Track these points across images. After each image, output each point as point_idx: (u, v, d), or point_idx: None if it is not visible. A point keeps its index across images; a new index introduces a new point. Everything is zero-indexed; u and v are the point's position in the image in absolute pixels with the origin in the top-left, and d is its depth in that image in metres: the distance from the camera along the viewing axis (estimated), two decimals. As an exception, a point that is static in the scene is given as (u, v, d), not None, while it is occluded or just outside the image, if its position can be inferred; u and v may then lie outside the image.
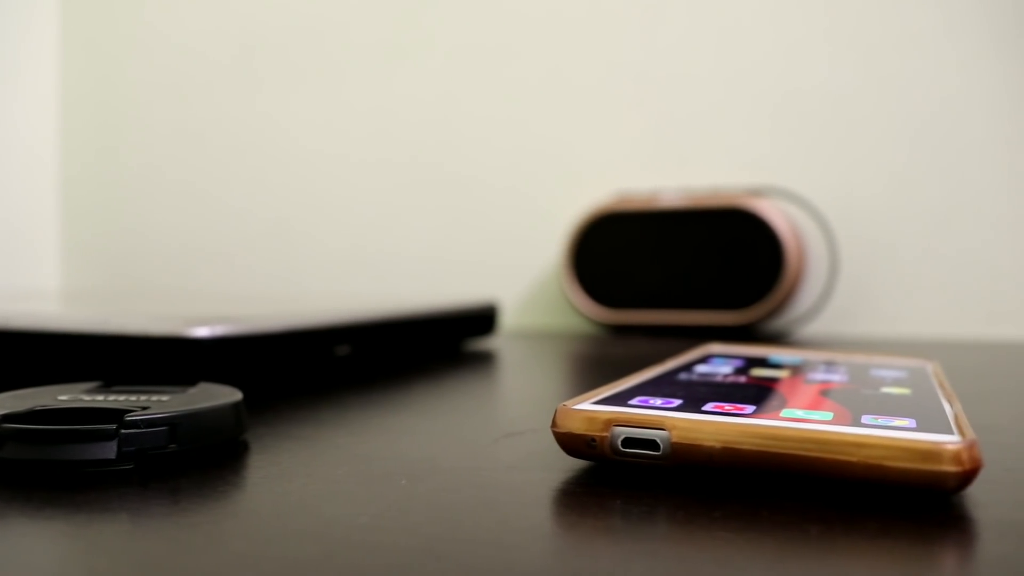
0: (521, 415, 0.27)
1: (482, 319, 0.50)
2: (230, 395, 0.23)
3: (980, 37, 0.63)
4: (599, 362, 0.44)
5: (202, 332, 0.30)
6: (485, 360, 0.43)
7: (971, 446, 0.17)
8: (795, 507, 0.17)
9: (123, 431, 0.19)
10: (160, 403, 0.21)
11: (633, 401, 0.21)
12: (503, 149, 0.77)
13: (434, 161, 0.79)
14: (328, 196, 0.83)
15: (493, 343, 0.53)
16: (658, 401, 0.21)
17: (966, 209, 0.63)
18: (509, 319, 0.76)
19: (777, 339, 0.58)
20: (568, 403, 0.20)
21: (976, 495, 0.18)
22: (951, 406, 0.21)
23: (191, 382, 0.25)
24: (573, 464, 0.21)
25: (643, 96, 0.72)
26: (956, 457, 0.16)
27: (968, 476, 0.17)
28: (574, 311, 0.73)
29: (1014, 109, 0.62)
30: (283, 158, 0.85)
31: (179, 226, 0.90)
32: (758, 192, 0.61)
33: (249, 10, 0.86)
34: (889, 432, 0.17)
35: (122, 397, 0.22)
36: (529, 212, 0.76)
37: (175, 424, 0.20)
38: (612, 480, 0.19)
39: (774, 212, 0.59)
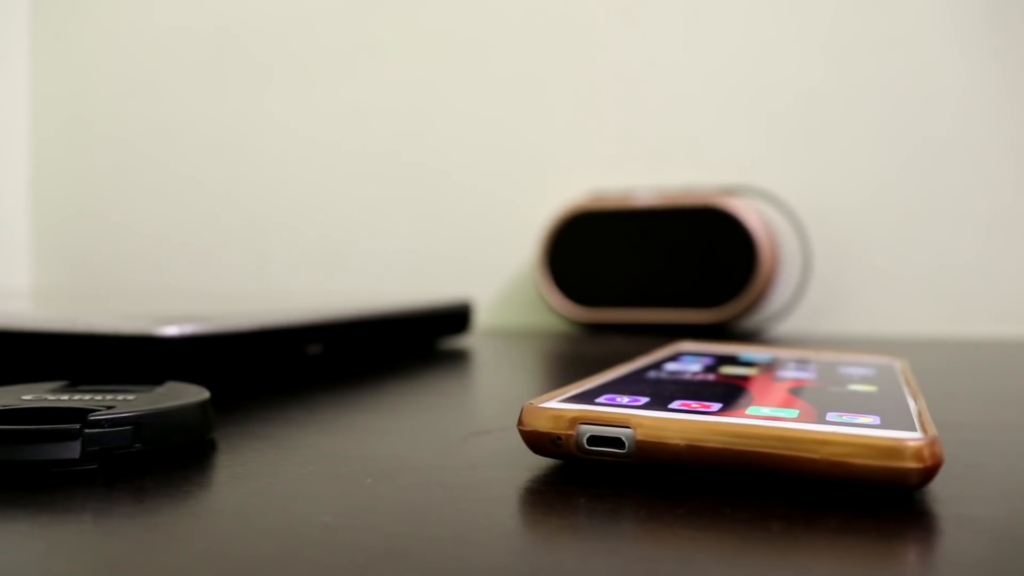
0: (491, 413, 0.27)
1: (456, 317, 0.50)
2: (197, 394, 0.23)
3: (953, 40, 0.64)
4: (572, 360, 0.44)
5: (171, 331, 0.30)
6: (459, 359, 0.43)
7: (932, 442, 0.17)
8: (758, 504, 0.17)
9: (87, 431, 0.19)
10: (125, 402, 0.21)
11: (599, 399, 0.21)
12: (478, 147, 0.77)
13: (409, 159, 0.79)
14: (303, 193, 0.83)
15: (467, 342, 0.53)
16: (624, 399, 0.21)
17: (937, 209, 0.64)
18: (484, 317, 0.76)
19: (750, 337, 0.59)
20: (534, 401, 0.20)
21: (938, 491, 0.18)
22: (916, 403, 0.22)
23: (159, 381, 0.25)
24: (539, 462, 0.21)
25: (618, 95, 0.72)
26: (917, 453, 0.17)
27: (930, 472, 0.17)
28: (549, 309, 0.73)
29: (985, 111, 0.63)
30: (258, 155, 0.85)
31: (152, 223, 0.89)
32: (732, 191, 0.61)
33: (224, 4, 0.86)
34: (852, 429, 0.17)
35: (87, 396, 0.22)
36: (504, 210, 0.76)
37: (140, 423, 0.20)
38: (577, 478, 0.19)
39: (748, 211, 0.60)
